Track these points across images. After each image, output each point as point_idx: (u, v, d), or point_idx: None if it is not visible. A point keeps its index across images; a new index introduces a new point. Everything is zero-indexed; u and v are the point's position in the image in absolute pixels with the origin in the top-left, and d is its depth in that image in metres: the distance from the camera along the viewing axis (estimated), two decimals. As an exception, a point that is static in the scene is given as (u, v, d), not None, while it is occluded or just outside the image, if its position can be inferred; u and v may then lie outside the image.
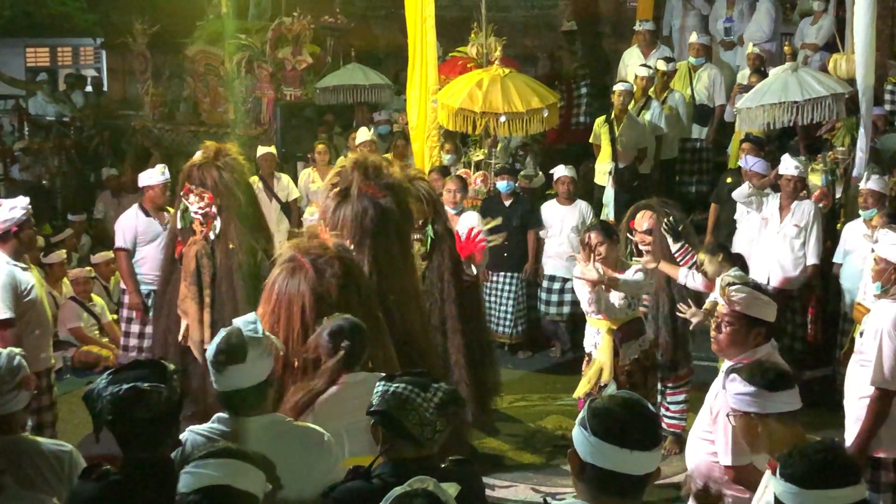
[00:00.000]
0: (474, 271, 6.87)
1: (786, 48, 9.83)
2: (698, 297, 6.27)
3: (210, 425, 3.46)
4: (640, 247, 6.52)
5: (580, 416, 2.56)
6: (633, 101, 10.05)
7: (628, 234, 6.68)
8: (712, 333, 4.20)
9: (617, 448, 2.48)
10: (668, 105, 10.38)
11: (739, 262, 6.36)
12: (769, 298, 4.24)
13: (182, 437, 3.41)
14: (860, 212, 7.26)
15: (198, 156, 6.82)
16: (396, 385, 3.10)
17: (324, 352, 4.01)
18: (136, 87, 13.46)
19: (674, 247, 6.25)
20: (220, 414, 3.50)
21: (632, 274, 5.94)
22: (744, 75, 10.57)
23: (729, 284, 4.18)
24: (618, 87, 9.83)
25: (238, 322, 3.56)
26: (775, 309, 4.20)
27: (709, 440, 4.08)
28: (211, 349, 3.46)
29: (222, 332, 3.50)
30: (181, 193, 6.75)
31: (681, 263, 6.23)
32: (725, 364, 4.09)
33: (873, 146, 8.41)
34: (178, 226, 6.76)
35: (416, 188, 5.99)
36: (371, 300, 4.70)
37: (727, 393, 3.46)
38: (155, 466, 3.03)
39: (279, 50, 11.06)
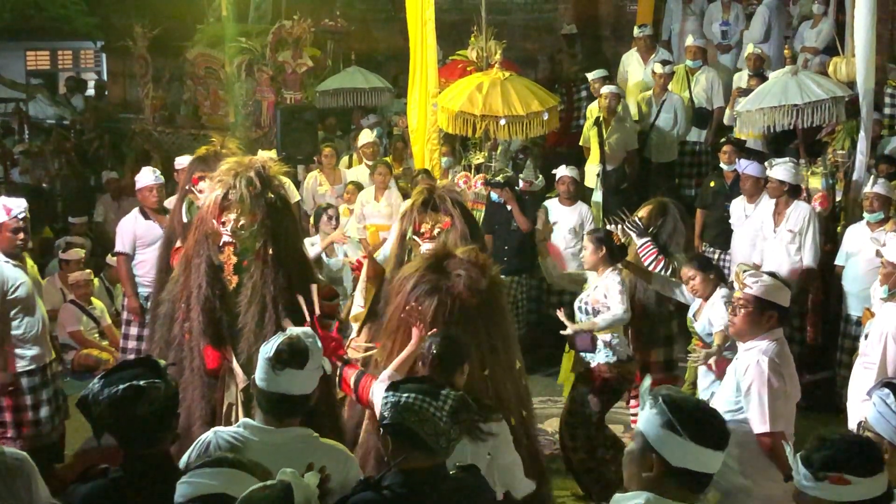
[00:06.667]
0: None
1: (785, 51, 9.84)
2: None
3: (236, 429, 3.45)
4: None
5: (665, 419, 2.54)
6: (651, 98, 10.41)
7: None
8: (729, 317, 4.50)
9: (712, 451, 2.54)
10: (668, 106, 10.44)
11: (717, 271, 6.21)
12: (781, 283, 4.39)
13: (205, 436, 3.43)
14: (865, 214, 7.25)
15: (203, 149, 6.40)
16: (406, 395, 3.02)
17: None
18: (136, 90, 13.51)
19: (638, 241, 6.27)
20: (248, 420, 3.50)
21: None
22: (740, 77, 10.59)
23: (744, 272, 4.44)
24: (605, 90, 9.87)
25: (296, 331, 3.55)
26: (788, 294, 4.38)
27: (735, 419, 4.12)
28: (269, 348, 3.42)
29: (283, 335, 3.48)
30: (186, 188, 6.22)
31: (643, 259, 6.24)
32: (741, 346, 4.33)
33: (873, 149, 8.42)
34: (184, 220, 6.17)
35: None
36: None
37: (872, 406, 3.16)
38: (156, 461, 3.04)
39: (279, 53, 11.10)
